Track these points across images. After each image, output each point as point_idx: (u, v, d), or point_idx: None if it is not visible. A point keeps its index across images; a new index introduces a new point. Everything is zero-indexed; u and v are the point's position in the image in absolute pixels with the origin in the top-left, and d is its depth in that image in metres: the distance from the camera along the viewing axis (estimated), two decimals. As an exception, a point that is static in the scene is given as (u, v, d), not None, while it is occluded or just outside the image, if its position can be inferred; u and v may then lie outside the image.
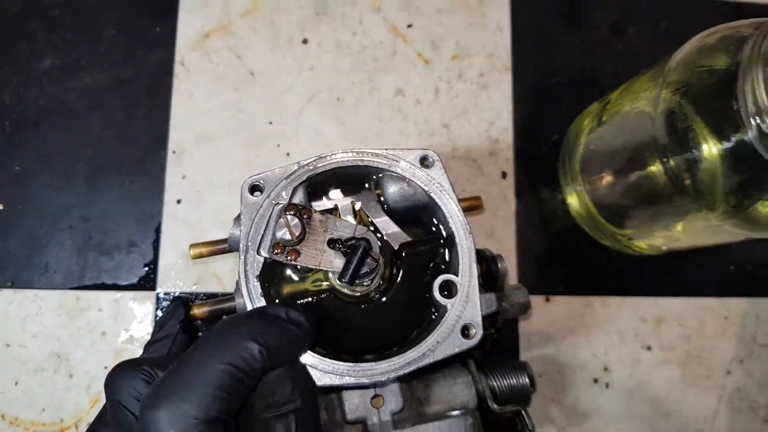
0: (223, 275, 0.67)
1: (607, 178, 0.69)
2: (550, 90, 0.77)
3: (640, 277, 0.75)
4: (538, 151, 0.76)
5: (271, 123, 0.72)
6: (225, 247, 0.55)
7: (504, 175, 0.75)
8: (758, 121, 0.48)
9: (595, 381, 0.72)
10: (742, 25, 0.52)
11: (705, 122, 0.56)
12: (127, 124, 0.70)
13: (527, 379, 0.61)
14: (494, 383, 0.61)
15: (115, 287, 0.67)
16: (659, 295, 0.75)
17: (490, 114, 0.76)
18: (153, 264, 0.67)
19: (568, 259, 0.75)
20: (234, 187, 0.69)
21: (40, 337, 0.65)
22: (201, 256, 0.56)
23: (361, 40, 0.75)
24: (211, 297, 0.65)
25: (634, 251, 0.73)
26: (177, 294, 0.63)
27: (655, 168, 0.61)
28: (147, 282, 0.67)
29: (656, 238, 0.68)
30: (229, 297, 0.57)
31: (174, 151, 0.69)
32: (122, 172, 0.68)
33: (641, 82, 0.64)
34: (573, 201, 0.73)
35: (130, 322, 0.66)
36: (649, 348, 0.74)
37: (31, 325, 0.65)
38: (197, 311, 0.55)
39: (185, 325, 0.53)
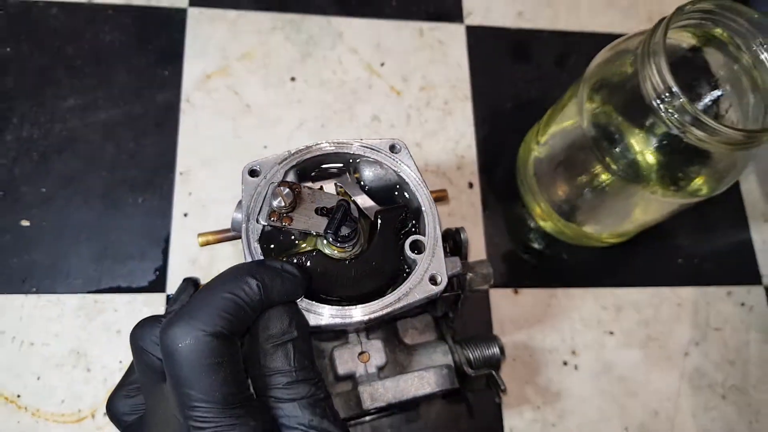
0: (225, 276, 0.76)
1: (559, 184, 0.79)
2: (505, 114, 0.90)
3: (599, 270, 0.84)
4: (499, 164, 0.87)
5: (265, 147, 0.83)
6: (229, 234, 0.65)
7: (471, 185, 0.85)
8: (659, 102, 0.59)
9: (565, 363, 0.80)
10: (636, 34, 0.65)
11: (625, 118, 0.67)
12: (138, 151, 0.80)
13: (498, 349, 0.69)
14: (469, 353, 0.68)
15: (129, 290, 0.75)
16: (617, 286, 0.84)
17: (455, 134, 0.87)
18: (162, 269, 0.76)
19: (533, 255, 0.84)
20: (234, 201, 0.79)
21: (62, 336, 0.72)
22: (208, 243, 0.65)
23: (341, 76, 0.88)
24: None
25: (593, 244, 0.82)
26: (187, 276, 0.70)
27: (597, 167, 0.72)
28: (157, 285, 0.75)
29: (619, 226, 0.77)
30: (232, 279, 0.66)
31: (181, 173, 0.80)
32: (134, 191, 0.78)
33: (565, 99, 0.75)
34: (533, 205, 0.83)
35: (142, 320, 0.74)
36: (611, 333, 0.82)
37: (53, 325, 0.72)
38: (204, 290, 0.64)
39: (195, 299, 0.61)
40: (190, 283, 0.63)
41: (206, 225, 0.78)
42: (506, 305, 0.81)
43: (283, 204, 0.55)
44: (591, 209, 0.77)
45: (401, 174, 0.60)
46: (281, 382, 0.47)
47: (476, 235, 0.83)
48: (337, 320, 0.53)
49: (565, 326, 0.81)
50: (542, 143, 0.78)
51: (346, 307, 0.54)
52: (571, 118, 0.72)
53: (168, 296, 0.75)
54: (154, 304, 0.74)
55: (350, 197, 0.61)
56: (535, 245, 0.84)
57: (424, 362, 0.65)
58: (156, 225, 0.78)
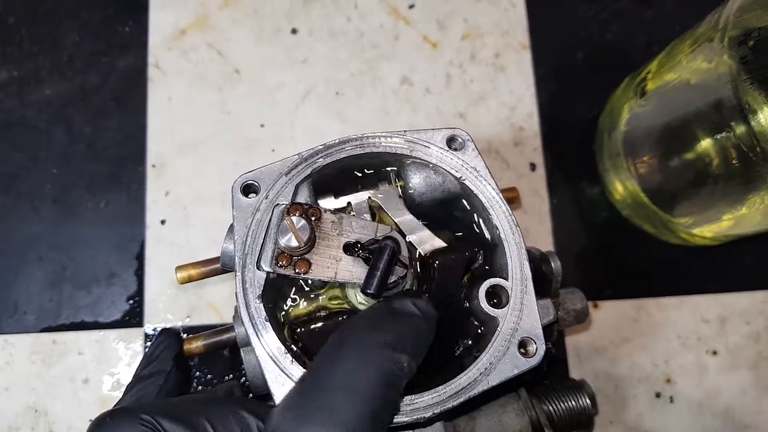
0: (219, 304, 0.63)
1: (656, 160, 0.66)
2: (575, 67, 0.75)
3: (697, 273, 0.72)
4: (570, 136, 0.72)
5: (263, 125, 0.67)
6: (218, 267, 0.48)
7: (533, 167, 0.69)
8: None
9: (658, 395, 0.67)
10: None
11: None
12: (97, 138, 0.67)
13: (588, 400, 0.55)
14: (550, 408, 0.54)
15: (96, 325, 0.62)
16: (720, 291, 0.71)
17: (510, 98, 0.71)
18: (138, 296, 0.63)
19: (614, 257, 0.71)
20: (226, 200, 0.62)
21: (13, 389, 0.60)
22: (190, 279, 0.49)
23: (357, 25, 0.71)
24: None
25: (692, 242, 0.69)
26: (166, 326, 0.54)
27: (709, 143, 0.58)
28: (132, 317, 0.62)
29: (718, 223, 0.64)
30: (225, 328, 0.49)
31: (154, 165, 0.65)
32: (95, 192, 0.65)
33: (682, 49, 0.61)
34: (617, 189, 0.70)
35: (116, 365, 0.61)
36: (714, 353, 0.69)
37: (0, 376, 0.60)
38: (191, 346, 0.48)
39: (178, 361, 0.45)
40: (173, 338, 0.47)
41: (190, 234, 0.63)
42: (583, 323, 0.64)
43: (295, 244, 0.37)
44: (699, 200, 0.63)
45: (467, 183, 0.42)
46: None
47: (542, 234, 0.70)
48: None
49: (658, 347, 0.68)
50: (648, 96, 0.63)
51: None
52: (694, 73, 0.57)
53: (146, 332, 0.60)
54: (130, 343, 0.61)
55: (391, 219, 0.43)
56: (618, 244, 0.70)
57: (493, 428, 0.50)
58: (126, 236, 0.64)
